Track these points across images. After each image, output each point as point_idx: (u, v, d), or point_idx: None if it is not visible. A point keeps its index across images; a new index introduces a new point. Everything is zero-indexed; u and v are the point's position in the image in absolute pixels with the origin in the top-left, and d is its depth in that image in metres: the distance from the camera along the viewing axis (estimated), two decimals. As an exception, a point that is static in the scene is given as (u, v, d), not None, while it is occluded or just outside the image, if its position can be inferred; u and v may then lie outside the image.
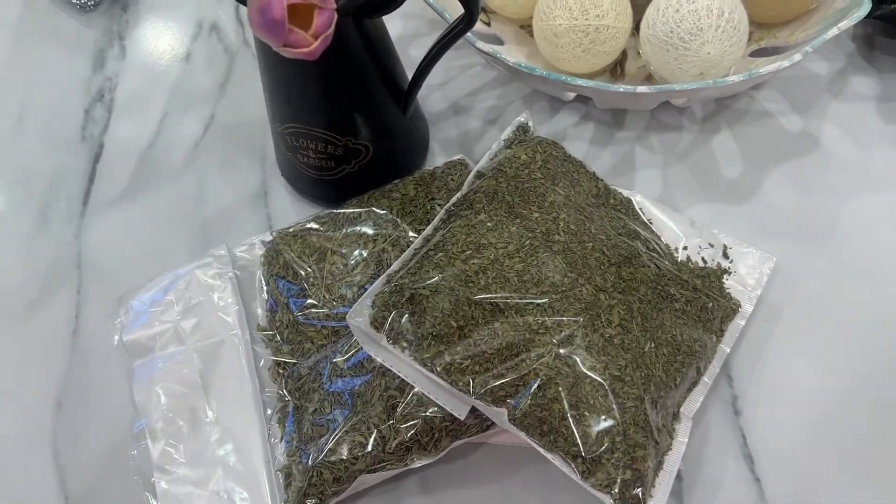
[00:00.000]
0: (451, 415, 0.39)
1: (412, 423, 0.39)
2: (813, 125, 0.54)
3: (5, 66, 0.62)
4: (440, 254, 0.40)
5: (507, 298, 0.39)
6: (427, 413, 0.39)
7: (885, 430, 0.43)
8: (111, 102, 0.60)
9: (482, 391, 0.37)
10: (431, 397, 0.39)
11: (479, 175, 0.45)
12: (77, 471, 0.45)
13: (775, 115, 0.55)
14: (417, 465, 0.40)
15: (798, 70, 0.57)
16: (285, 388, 0.44)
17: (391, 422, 0.40)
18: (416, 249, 0.42)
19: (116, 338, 0.47)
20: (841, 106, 0.55)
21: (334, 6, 0.33)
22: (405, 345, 0.38)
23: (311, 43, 0.32)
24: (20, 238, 0.54)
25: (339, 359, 0.42)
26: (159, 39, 0.63)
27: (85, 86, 0.61)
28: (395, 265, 0.41)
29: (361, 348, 0.42)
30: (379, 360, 0.39)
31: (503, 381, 0.37)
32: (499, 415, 0.37)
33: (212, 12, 0.64)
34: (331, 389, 0.42)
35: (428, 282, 0.39)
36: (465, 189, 0.45)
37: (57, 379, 0.48)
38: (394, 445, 0.39)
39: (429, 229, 0.43)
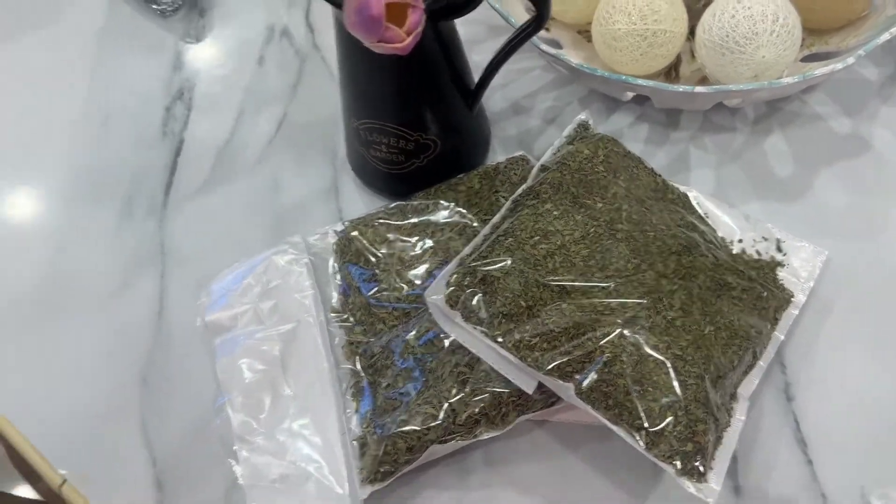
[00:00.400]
0: (519, 390, 0.42)
1: (481, 397, 0.42)
2: (863, 128, 0.56)
3: (92, 69, 0.67)
4: (510, 239, 0.43)
5: (573, 281, 0.41)
6: (495, 388, 0.42)
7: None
8: (190, 101, 0.64)
9: (550, 367, 0.40)
10: (501, 372, 0.41)
11: (544, 168, 0.48)
12: (163, 439, 0.48)
13: (826, 117, 0.57)
14: (485, 437, 0.43)
15: (849, 74, 0.59)
16: (359, 365, 0.46)
17: (461, 395, 0.42)
18: (485, 236, 0.45)
19: (199, 319, 0.51)
20: (891, 110, 0.57)
21: (422, 6, 0.36)
22: (478, 322, 0.41)
23: (404, 39, 0.35)
24: (107, 227, 0.58)
25: (411, 337, 0.45)
26: (233, 43, 0.67)
27: (165, 86, 0.65)
28: (467, 249, 0.44)
29: (432, 328, 0.45)
30: (453, 335, 0.42)
31: (570, 357, 0.40)
32: (566, 389, 0.40)
33: (283, 18, 0.68)
34: (403, 366, 0.45)
35: (499, 264, 0.42)
36: (530, 181, 0.47)
37: (143, 356, 0.52)
38: (463, 418, 0.42)
39: (496, 218, 0.46)
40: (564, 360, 0.40)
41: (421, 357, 0.44)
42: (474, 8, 0.44)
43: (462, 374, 0.43)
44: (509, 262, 0.42)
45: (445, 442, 0.43)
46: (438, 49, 0.47)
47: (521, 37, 0.46)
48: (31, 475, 0.50)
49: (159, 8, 0.69)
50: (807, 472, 0.43)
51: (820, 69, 0.48)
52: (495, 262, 0.42)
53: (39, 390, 0.51)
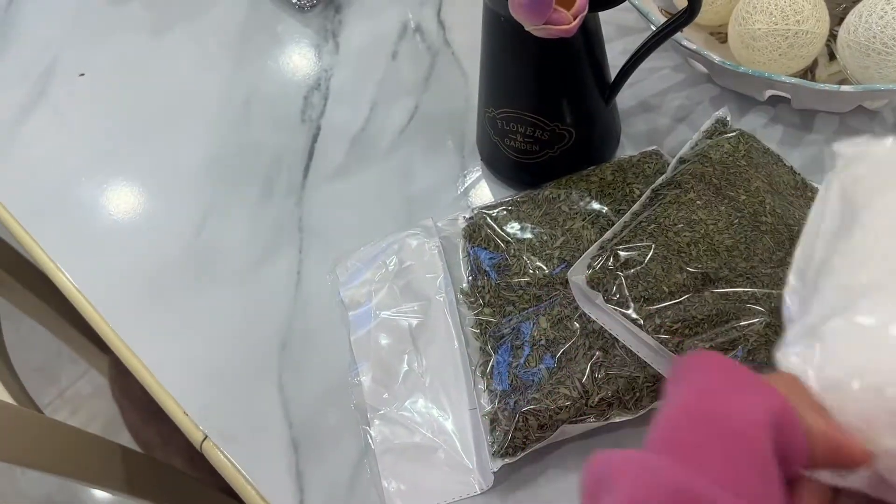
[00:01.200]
0: (654, 375, 0.42)
1: (616, 380, 0.43)
2: None
3: (235, 60, 0.71)
4: (652, 226, 0.44)
5: (717, 270, 0.42)
6: (631, 372, 0.43)
7: None
8: (327, 91, 0.67)
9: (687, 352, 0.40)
10: (640, 356, 0.42)
11: (682, 160, 0.48)
12: (299, 403, 0.51)
13: (973, 124, 0.55)
14: (617, 420, 0.44)
15: None
16: (489, 345, 0.48)
17: (595, 377, 0.43)
18: (625, 223, 0.46)
19: (336, 293, 0.53)
20: None
21: (587, -8, 0.37)
22: (619, 304, 0.42)
23: (570, 21, 0.36)
24: (250, 205, 0.61)
25: (542, 318, 0.46)
26: (368, 38, 0.70)
27: (304, 76, 0.68)
28: (608, 234, 0.45)
29: (565, 310, 0.46)
30: (593, 316, 0.43)
31: (711, 343, 0.40)
32: None
33: (416, 14, 0.70)
34: (534, 346, 0.46)
35: (642, 249, 0.43)
36: (669, 173, 0.48)
37: (282, 324, 0.55)
38: (596, 400, 0.43)
39: (636, 206, 0.47)
40: (706, 346, 0.40)
41: (553, 339, 0.45)
42: (623, 1, 0.45)
43: (596, 358, 0.43)
44: (653, 247, 0.43)
45: (576, 422, 0.43)
46: (583, 41, 0.48)
47: (671, 28, 0.46)
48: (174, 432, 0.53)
49: (298, 3, 0.72)
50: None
51: (976, 71, 0.47)
52: (638, 248, 0.43)
53: (186, 352, 0.55)
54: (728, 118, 0.52)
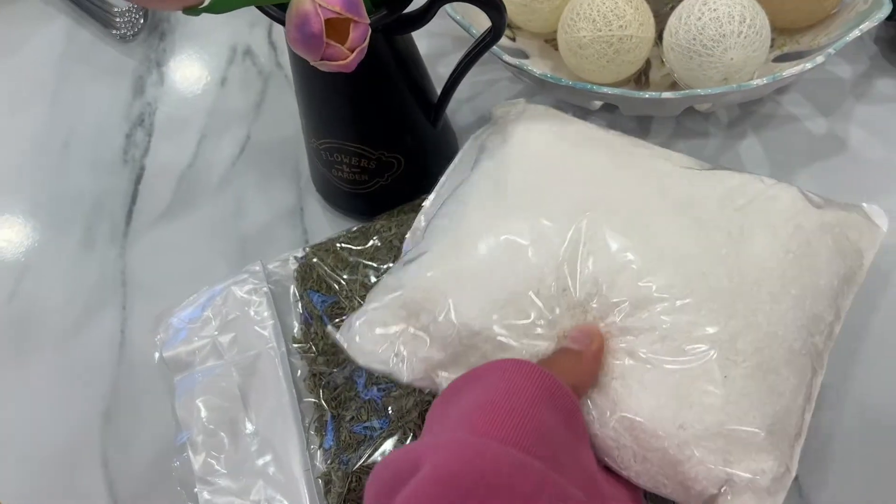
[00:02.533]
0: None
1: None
2: (838, 127, 0.55)
3: (51, 96, 0.65)
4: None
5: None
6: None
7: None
8: (151, 126, 0.62)
9: None
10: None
11: None
12: (125, 479, 0.47)
13: (800, 118, 0.56)
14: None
15: (822, 73, 0.57)
16: (322, 398, 0.45)
17: (430, 425, 0.40)
18: None
19: (157, 354, 0.49)
20: (865, 108, 0.55)
21: (368, 21, 0.35)
22: None
23: (347, 56, 0.33)
24: (67, 257, 0.56)
25: (375, 366, 0.43)
26: (195, 65, 0.65)
27: (126, 111, 0.63)
28: None
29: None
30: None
31: None
32: None
33: (245, 38, 0.66)
34: (367, 398, 0.43)
35: None
36: None
37: (105, 391, 0.50)
38: (433, 448, 0.40)
39: None
40: None
41: (385, 387, 0.42)
42: (426, 23, 0.43)
43: (428, 405, 0.41)
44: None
45: (415, 474, 0.41)
46: (395, 63, 0.46)
47: (479, 49, 0.44)
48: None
49: (119, 33, 0.67)
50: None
51: (789, 70, 0.47)
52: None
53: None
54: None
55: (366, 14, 0.34)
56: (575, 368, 0.35)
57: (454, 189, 0.43)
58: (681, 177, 0.41)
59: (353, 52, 0.34)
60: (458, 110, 0.59)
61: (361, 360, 0.38)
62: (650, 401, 0.34)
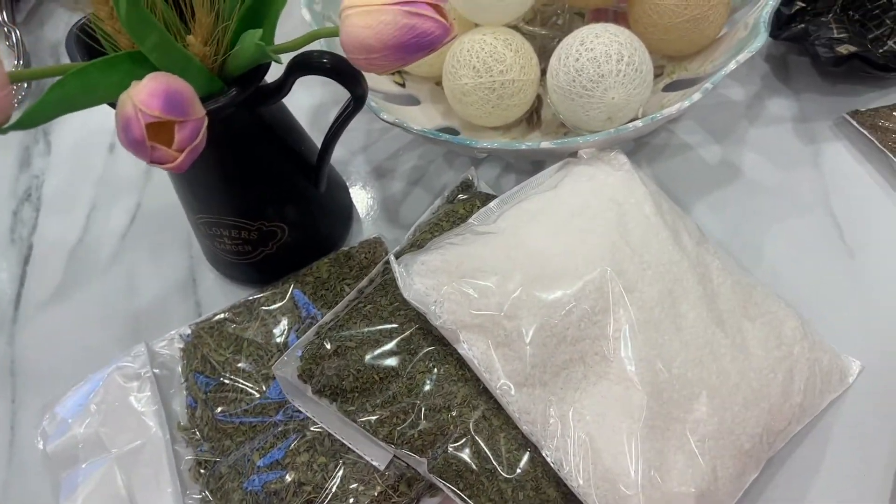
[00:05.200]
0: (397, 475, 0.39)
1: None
2: (733, 153, 0.54)
3: (-67, 174, 0.63)
4: (368, 306, 0.41)
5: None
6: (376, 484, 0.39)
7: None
8: (38, 201, 0.60)
9: (403, 441, 0.37)
10: (355, 449, 0.39)
11: (419, 229, 0.46)
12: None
13: (694, 146, 0.55)
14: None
15: (714, 98, 0.57)
16: (207, 489, 0.43)
17: (318, 513, 0.39)
18: (349, 301, 0.42)
19: (42, 448, 0.47)
20: (759, 131, 0.55)
21: (200, 114, 0.33)
22: (330, 396, 0.39)
23: (175, 157, 0.32)
24: (-47, 350, 0.54)
25: (255, 456, 0.42)
26: (83, 132, 0.63)
27: (12, 187, 0.61)
28: (328, 316, 0.42)
29: (276, 444, 0.41)
30: (304, 411, 0.40)
31: (423, 430, 0.37)
32: (420, 464, 0.38)
33: (134, 99, 0.64)
34: (249, 489, 0.41)
35: (354, 333, 0.39)
36: (404, 242, 0.45)
37: (-5, 493, 0.48)
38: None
39: (364, 282, 0.44)
40: (416, 432, 0.37)
41: (266, 476, 0.40)
42: (286, 93, 0.41)
43: (307, 494, 0.39)
44: (366, 331, 0.39)
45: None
46: (262, 134, 0.44)
47: (345, 117, 0.43)
48: None
49: (3, 101, 0.65)
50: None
51: (665, 110, 0.46)
52: (350, 331, 0.39)
53: None
54: (474, 179, 0.50)
55: (195, 108, 0.33)
56: None
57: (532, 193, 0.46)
58: (721, 275, 0.44)
59: (182, 152, 0.32)
60: (351, 162, 0.57)
61: (406, 294, 0.38)
62: (624, 446, 0.37)
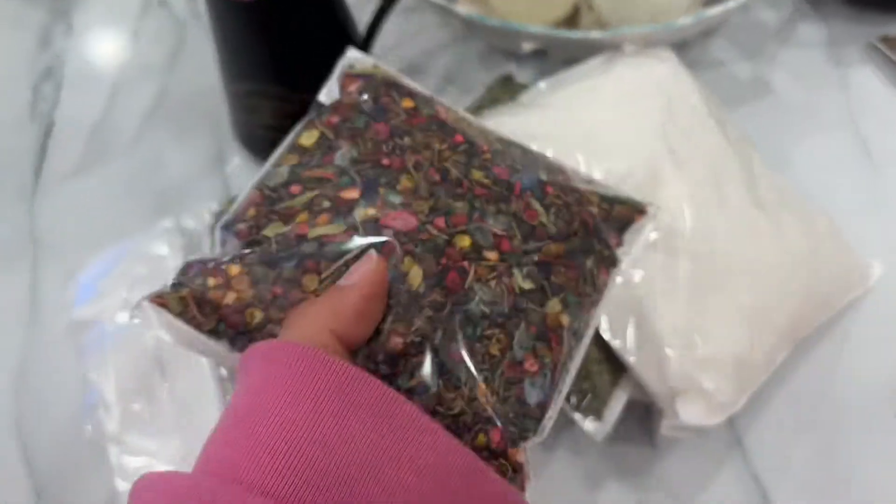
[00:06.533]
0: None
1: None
2: (763, 71, 0.55)
3: (-53, 49, 0.61)
4: None
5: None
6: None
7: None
8: (60, 79, 0.59)
9: None
10: None
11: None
12: (40, 448, 0.44)
13: (727, 63, 0.56)
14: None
15: (747, 19, 0.58)
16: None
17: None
18: None
19: (66, 314, 0.46)
20: (789, 52, 0.56)
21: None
22: None
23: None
24: (-30, 217, 0.52)
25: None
26: (107, 15, 0.62)
27: (31, 64, 0.59)
28: None
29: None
30: None
31: None
32: None
33: (160, -14, 0.63)
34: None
35: None
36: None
37: (16, 358, 0.47)
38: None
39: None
40: None
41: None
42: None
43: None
44: None
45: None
46: (315, 2, 0.44)
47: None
48: None
49: (22, -20, 0.63)
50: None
51: (713, 10, 0.47)
52: None
53: None
54: (513, 75, 0.50)
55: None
56: (337, 306, 0.25)
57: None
58: (761, 167, 0.45)
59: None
60: (383, 58, 0.57)
61: None
62: (670, 309, 0.38)
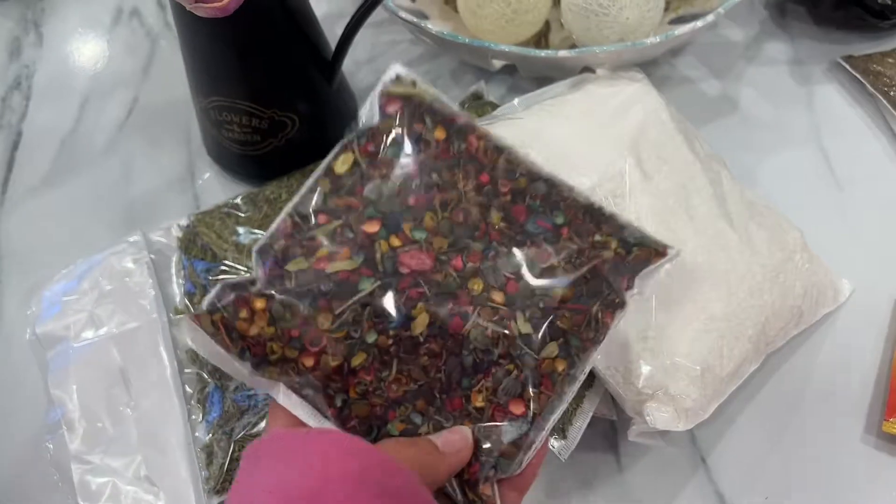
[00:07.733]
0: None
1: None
2: (731, 89, 0.56)
3: (-86, 58, 0.60)
4: None
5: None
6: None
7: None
8: (29, 90, 0.58)
9: None
10: None
11: None
12: (0, 463, 0.43)
13: (695, 80, 0.57)
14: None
15: (715, 37, 0.58)
16: (205, 369, 0.43)
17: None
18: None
19: (29, 330, 0.46)
20: (756, 70, 0.57)
21: (245, -38, 0.33)
22: None
23: (221, -2, 0.32)
24: (-65, 230, 0.52)
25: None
26: (78, 26, 0.62)
27: (1, 74, 0.59)
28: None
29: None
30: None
31: None
32: None
33: (132, -3, 0.63)
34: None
35: None
36: None
37: (-23, 370, 0.46)
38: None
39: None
40: None
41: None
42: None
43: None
44: None
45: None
46: (284, 17, 0.44)
47: (364, 10, 0.43)
48: None
49: (-9, -11, 0.62)
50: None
51: (681, 28, 0.48)
52: None
53: None
54: (483, 91, 0.50)
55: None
56: (427, 462, 0.28)
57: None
58: (729, 182, 0.46)
59: (228, -8, 0.32)
60: (356, 72, 0.57)
61: None
62: (638, 317, 0.39)
